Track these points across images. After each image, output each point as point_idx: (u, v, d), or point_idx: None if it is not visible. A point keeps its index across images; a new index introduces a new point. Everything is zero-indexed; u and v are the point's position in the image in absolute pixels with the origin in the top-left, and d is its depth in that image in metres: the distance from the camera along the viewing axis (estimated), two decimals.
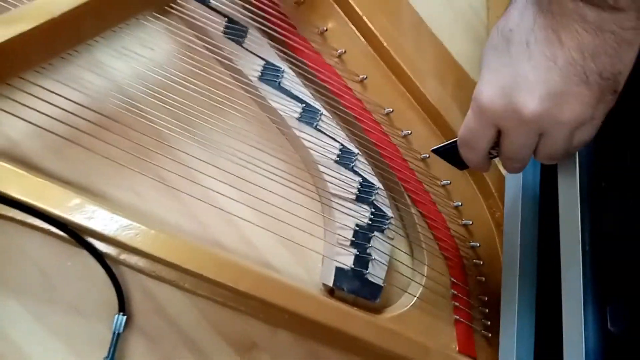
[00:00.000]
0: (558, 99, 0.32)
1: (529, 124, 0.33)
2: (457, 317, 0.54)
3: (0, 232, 0.44)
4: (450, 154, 0.44)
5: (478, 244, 0.56)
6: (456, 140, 0.41)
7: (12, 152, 0.45)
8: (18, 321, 0.45)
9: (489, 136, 0.36)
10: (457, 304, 0.54)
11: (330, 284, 0.50)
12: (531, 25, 0.32)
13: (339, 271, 0.50)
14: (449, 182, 0.56)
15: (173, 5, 0.49)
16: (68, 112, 0.46)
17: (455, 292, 0.54)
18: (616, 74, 0.32)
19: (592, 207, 0.43)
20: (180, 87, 0.49)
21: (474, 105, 0.36)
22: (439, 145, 0.46)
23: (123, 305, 0.46)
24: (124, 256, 0.46)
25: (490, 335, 0.54)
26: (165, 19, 0.49)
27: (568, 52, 0.31)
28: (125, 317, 0.45)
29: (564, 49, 0.31)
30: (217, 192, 0.49)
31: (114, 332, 0.45)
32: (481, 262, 0.55)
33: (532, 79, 0.32)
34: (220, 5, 0.50)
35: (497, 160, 0.58)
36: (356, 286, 0.50)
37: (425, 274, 0.54)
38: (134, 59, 0.49)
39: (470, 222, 0.56)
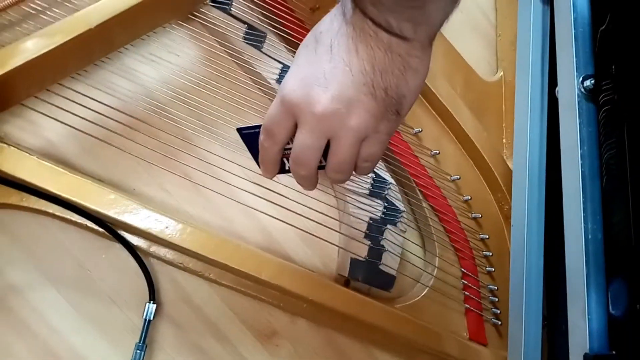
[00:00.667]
0: (347, 103, 0.34)
1: (319, 119, 0.35)
2: (468, 306, 0.56)
3: (41, 227, 0.48)
4: (252, 139, 0.41)
5: (487, 236, 0.58)
6: (257, 128, 0.40)
7: (50, 152, 0.49)
8: (58, 309, 0.48)
9: (287, 127, 0.36)
10: (467, 293, 0.56)
11: (346, 274, 0.53)
12: (336, 31, 0.34)
13: (354, 262, 0.53)
14: (458, 177, 0.58)
15: (196, 13, 0.52)
16: (101, 114, 0.49)
17: (466, 282, 0.57)
18: (400, 96, 0.35)
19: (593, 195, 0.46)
20: (203, 90, 0.52)
21: (278, 94, 0.37)
22: (245, 126, 0.41)
23: (153, 294, 0.49)
24: (154, 248, 0.49)
25: (500, 323, 0.56)
26: (189, 26, 0.53)
27: (361, 63, 0.34)
28: (155, 306, 0.49)
29: (359, 58, 0.34)
30: (239, 188, 0.52)
31: (145, 319, 0.49)
32: (490, 254, 0.58)
33: (329, 78, 0.34)
34: (241, 13, 0.53)
35: (506, 156, 0.61)
36: (370, 276, 0.53)
37: (436, 265, 0.56)
38: (161, 64, 0.52)
39: (480, 215, 0.58)
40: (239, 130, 0.41)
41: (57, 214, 0.47)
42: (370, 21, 0.33)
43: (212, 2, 0.52)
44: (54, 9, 0.49)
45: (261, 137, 0.38)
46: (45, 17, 0.48)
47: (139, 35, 0.50)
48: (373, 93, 0.34)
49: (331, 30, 0.35)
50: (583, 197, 0.46)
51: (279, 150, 0.38)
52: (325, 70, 0.34)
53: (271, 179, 0.42)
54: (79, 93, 0.49)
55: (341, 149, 0.36)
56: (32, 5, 0.48)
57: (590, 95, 0.47)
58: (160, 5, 0.47)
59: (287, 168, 0.39)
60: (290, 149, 0.37)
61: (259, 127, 0.39)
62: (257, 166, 0.40)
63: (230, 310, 0.52)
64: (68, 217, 0.47)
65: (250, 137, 0.40)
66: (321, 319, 0.53)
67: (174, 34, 0.53)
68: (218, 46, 0.53)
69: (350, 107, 0.34)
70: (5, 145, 0.44)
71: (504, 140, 0.62)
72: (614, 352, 0.42)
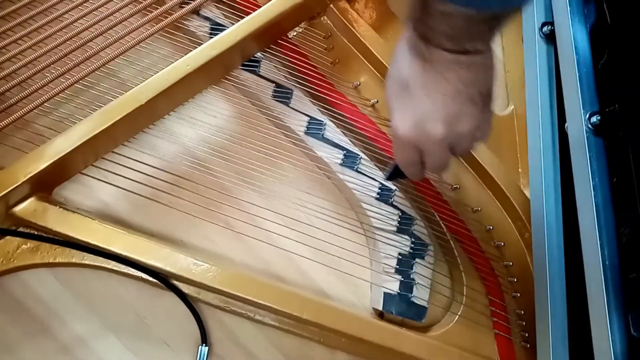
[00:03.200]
0: (456, 118, 0.41)
1: (441, 142, 0.43)
2: (497, 331, 0.59)
3: (101, 282, 0.53)
4: (395, 174, 0.53)
5: (511, 263, 0.62)
6: (395, 165, 0.50)
7: (105, 212, 0.54)
8: (120, 356, 0.52)
9: (416, 156, 0.45)
10: (496, 319, 0.59)
11: (380, 308, 0.56)
12: (421, 72, 0.41)
13: (387, 296, 0.56)
14: (479, 209, 0.62)
15: (228, 77, 0.57)
16: (148, 175, 0.55)
17: (494, 309, 0.60)
18: (489, 89, 0.42)
19: (607, 222, 0.49)
20: (238, 145, 0.57)
21: (394, 139, 0.46)
22: (387, 173, 0.56)
23: (205, 338, 0.53)
24: (203, 294, 0.54)
25: (528, 345, 0.59)
26: (222, 89, 0.58)
27: (454, 85, 0.40)
28: (207, 348, 0.53)
29: (450, 84, 0.40)
30: (276, 233, 0.56)
31: None
32: (515, 279, 0.61)
33: (434, 111, 0.41)
34: (268, 73, 0.58)
35: (523, 185, 0.64)
36: (403, 309, 0.56)
37: (464, 294, 0.59)
38: (199, 125, 0.57)
39: (502, 244, 0.62)
40: (388, 179, 0.57)
41: (114, 268, 0.52)
42: (448, 53, 0.39)
43: (243, 65, 0.57)
44: (102, 84, 0.55)
45: (404, 169, 0.49)
46: (94, 92, 0.54)
47: (181, 103, 0.55)
48: (472, 101, 0.41)
49: (415, 73, 0.41)
50: (598, 226, 0.49)
51: (421, 168, 0.47)
52: (428, 106, 0.41)
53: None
54: (128, 157, 0.54)
55: (462, 148, 0.45)
56: (83, 82, 0.53)
57: (597, 130, 0.51)
58: (201, 76, 0.53)
59: None
60: None
61: (391, 167, 0.53)
62: None
63: (274, 347, 0.56)
64: (125, 270, 0.52)
65: (394, 174, 0.54)
66: (359, 351, 0.56)
67: (209, 97, 0.58)
68: (249, 104, 0.59)
69: (458, 121, 0.41)
70: (69, 211, 0.49)
71: (519, 169, 0.66)
72: None
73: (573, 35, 0.53)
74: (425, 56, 0.40)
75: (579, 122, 0.51)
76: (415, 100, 0.42)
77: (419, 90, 0.41)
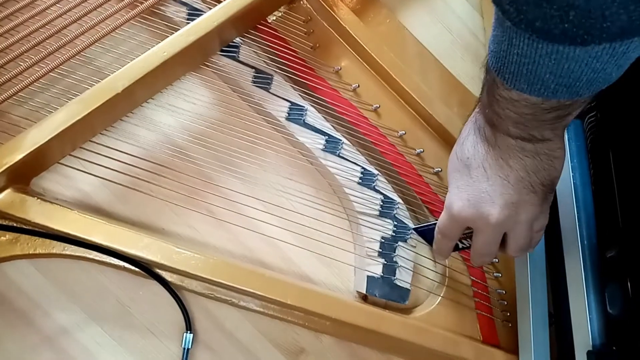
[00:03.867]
0: (514, 206, 0.41)
1: (495, 227, 0.42)
2: (479, 311, 0.60)
3: (83, 272, 0.53)
4: (426, 234, 0.56)
5: None
6: (434, 224, 0.51)
7: (85, 202, 0.54)
8: (104, 345, 0.53)
9: (460, 231, 0.46)
10: (478, 299, 0.60)
11: (364, 291, 0.57)
12: (484, 155, 0.41)
13: (370, 279, 0.57)
14: None
15: (207, 63, 0.57)
16: (127, 164, 0.54)
17: (476, 289, 0.61)
18: (553, 180, 0.41)
19: (586, 202, 0.50)
20: (219, 132, 0.56)
21: (447, 212, 0.46)
22: (420, 226, 0.58)
23: (189, 325, 0.53)
24: (186, 282, 0.54)
25: (510, 324, 0.60)
26: (202, 75, 0.57)
27: (516, 172, 0.40)
28: (192, 335, 0.53)
29: (513, 170, 0.40)
30: (259, 220, 0.56)
31: (184, 349, 0.53)
32: (497, 260, 0.62)
33: (492, 194, 0.41)
34: (248, 59, 0.57)
35: None
36: (387, 291, 0.57)
37: (447, 275, 0.60)
38: (179, 112, 0.57)
39: None
40: (415, 229, 0.58)
41: (96, 258, 0.52)
42: (513, 139, 0.39)
43: (222, 51, 0.57)
44: (78, 72, 0.54)
45: (438, 236, 0.49)
46: (70, 80, 0.53)
47: (159, 90, 0.54)
48: (533, 190, 0.41)
49: (477, 155, 0.42)
50: (576, 206, 0.50)
51: (453, 245, 0.49)
52: (487, 189, 0.41)
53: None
54: (107, 146, 0.54)
55: (518, 238, 0.44)
56: (58, 70, 0.52)
57: None
58: (178, 63, 0.52)
59: (459, 247, 0.51)
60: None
61: (429, 225, 0.55)
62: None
63: (259, 332, 0.56)
64: (107, 260, 0.52)
65: (424, 232, 0.56)
66: (344, 334, 0.57)
67: (188, 84, 0.57)
68: (229, 91, 0.58)
69: (518, 208, 0.41)
70: (47, 202, 0.49)
71: None
72: (614, 348, 0.45)
73: None
74: (490, 141, 0.40)
75: None
76: (474, 181, 0.42)
77: (480, 172, 0.41)
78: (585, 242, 0.49)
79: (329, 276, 0.59)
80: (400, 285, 0.57)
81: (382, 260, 0.57)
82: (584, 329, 0.47)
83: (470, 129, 0.43)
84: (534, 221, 0.43)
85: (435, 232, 0.50)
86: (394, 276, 0.57)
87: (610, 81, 0.33)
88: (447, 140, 0.63)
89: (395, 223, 0.59)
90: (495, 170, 0.41)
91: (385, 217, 0.59)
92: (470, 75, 0.69)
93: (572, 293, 0.49)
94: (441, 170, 0.62)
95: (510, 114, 0.37)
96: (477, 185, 0.42)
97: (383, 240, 0.58)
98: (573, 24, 0.28)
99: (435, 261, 0.61)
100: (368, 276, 0.57)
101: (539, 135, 0.38)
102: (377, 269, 0.57)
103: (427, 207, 0.62)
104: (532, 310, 0.54)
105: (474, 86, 0.68)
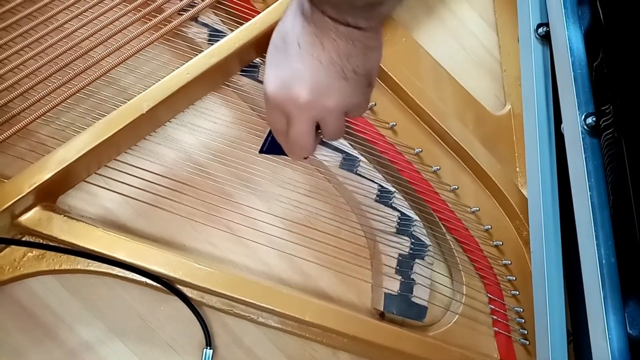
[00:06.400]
0: (324, 90, 0.39)
1: (304, 111, 0.40)
2: (497, 329, 0.60)
3: (106, 287, 0.54)
4: (273, 146, 0.48)
5: (510, 262, 0.62)
6: (270, 131, 0.47)
7: (109, 218, 0.55)
8: (124, 359, 0.53)
9: (283, 122, 0.42)
10: (495, 317, 0.60)
11: (381, 308, 0.57)
12: (300, 30, 0.39)
13: (388, 297, 0.57)
14: (478, 209, 0.63)
15: (228, 82, 0.58)
16: (150, 182, 0.55)
17: (493, 307, 0.61)
18: (367, 71, 0.40)
19: (604, 221, 0.50)
20: (238, 150, 0.58)
21: (265, 98, 0.42)
22: (261, 146, 0.49)
23: (209, 340, 0.54)
24: (206, 298, 0.54)
25: (528, 343, 0.60)
26: (222, 95, 0.59)
27: (328, 54, 0.38)
28: (212, 351, 0.54)
29: (325, 51, 0.38)
30: (277, 237, 0.57)
31: None
32: (514, 278, 0.62)
33: (304, 74, 0.39)
34: None
35: (520, 184, 0.65)
36: (404, 309, 0.57)
37: (464, 293, 0.60)
38: (199, 131, 0.58)
39: (501, 243, 0.62)
40: (261, 151, 0.49)
41: (119, 274, 0.53)
42: (329, 19, 0.37)
43: (242, 71, 0.58)
44: (103, 92, 0.55)
45: (275, 137, 0.45)
46: (95, 100, 0.55)
47: (182, 110, 0.56)
48: (344, 76, 0.39)
49: (294, 29, 0.40)
50: (594, 225, 0.50)
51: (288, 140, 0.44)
52: (299, 67, 0.39)
53: (305, 159, 0.49)
54: (130, 165, 0.55)
55: (330, 126, 0.42)
56: (83, 90, 0.54)
57: (592, 131, 0.51)
58: (201, 84, 0.53)
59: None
60: None
61: (269, 134, 0.47)
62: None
63: (278, 349, 0.57)
64: (129, 276, 0.53)
65: (271, 147, 0.48)
66: (361, 351, 0.57)
67: (209, 103, 0.59)
68: (249, 109, 0.59)
69: (327, 93, 0.39)
70: (73, 220, 0.50)
71: (517, 169, 0.66)
72: None
73: (568, 37, 0.54)
74: (307, 16, 0.39)
75: (575, 123, 0.52)
76: (288, 59, 0.40)
77: (294, 48, 0.39)
78: (604, 261, 0.49)
79: (346, 293, 0.60)
80: (418, 302, 0.58)
81: (399, 278, 0.58)
82: (604, 350, 0.47)
83: (291, 5, 0.41)
84: (348, 112, 0.42)
85: (272, 133, 0.47)
86: (411, 293, 0.58)
87: None
88: (464, 158, 0.64)
89: (412, 240, 0.59)
90: (309, 48, 0.39)
91: (402, 235, 0.59)
92: (486, 92, 0.69)
93: (590, 313, 0.49)
94: (457, 188, 0.63)
95: None
96: (290, 64, 0.40)
97: (400, 258, 0.59)
98: None
99: (450, 278, 0.61)
100: (385, 293, 0.57)
101: (352, 23, 0.37)
102: (394, 286, 0.58)
103: (444, 225, 0.62)
104: (550, 329, 0.54)
105: (489, 103, 0.68)
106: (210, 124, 0.58)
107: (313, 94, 0.39)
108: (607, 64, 0.51)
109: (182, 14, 0.57)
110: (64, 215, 0.50)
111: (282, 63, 0.40)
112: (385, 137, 0.62)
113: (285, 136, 0.43)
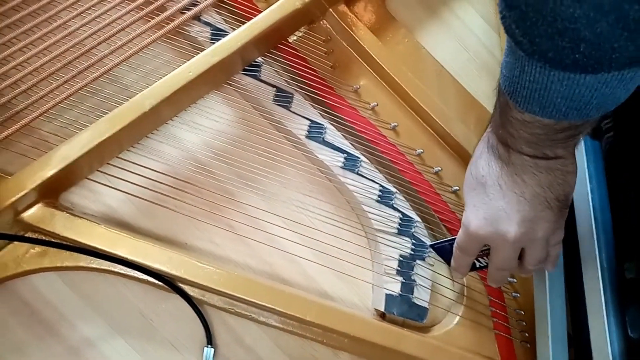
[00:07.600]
0: (531, 223, 0.42)
1: (513, 244, 0.43)
2: (498, 331, 0.60)
3: (107, 285, 0.54)
4: (444, 252, 0.54)
5: None
6: (451, 241, 0.52)
7: (111, 216, 0.55)
8: (125, 356, 0.53)
9: (479, 248, 0.47)
10: (496, 319, 0.60)
11: (382, 309, 0.57)
12: (499, 172, 0.42)
13: (389, 297, 0.57)
14: None
15: (230, 81, 0.58)
16: (152, 180, 0.55)
17: (494, 309, 0.60)
18: (567, 194, 0.42)
19: (605, 224, 0.50)
20: (240, 149, 0.58)
21: (464, 230, 0.46)
22: (438, 242, 0.55)
23: (210, 339, 0.54)
24: (208, 296, 0.55)
25: (528, 345, 0.60)
26: (224, 93, 0.59)
27: (532, 188, 0.41)
28: (213, 349, 0.54)
29: (528, 186, 0.41)
30: (279, 236, 0.57)
31: None
32: (514, 280, 0.62)
33: (509, 212, 0.42)
34: (269, 78, 0.59)
35: None
36: (405, 309, 0.57)
37: (465, 294, 0.60)
38: (201, 130, 0.58)
39: None
40: (432, 246, 0.56)
41: (121, 272, 0.53)
42: (527, 157, 0.40)
43: (244, 70, 0.58)
44: (106, 89, 0.55)
45: (456, 253, 0.50)
46: (98, 98, 0.55)
47: (184, 108, 0.56)
48: (549, 206, 0.41)
49: (493, 172, 0.42)
50: (595, 227, 0.50)
51: (471, 262, 0.50)
52: (503, 206, 0.42)
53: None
54: (133, 162, 0.55)
55: (535, 253, 0.44)
56: (86, 88, 0.54)
57: (593, 134, 0.51)
58: (203, 82, 0.54)
59: (477, 266, 0.52)
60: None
61: (446, 242, 0.53)
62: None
63: (279, 348, 0.57)
64: (131, 274, 0.53)
65: (441, 249, 0.55)
66: (362, 352, 0.57)
67: (211, 102, 0.59)
68: (251, 109, 0.59)
69: (534, 225, 0.42)
70: (75, 217, 0.50)
71: None
72: None
73: None
74: (504, 159, 0.41)
75: None
76: (490, 199, 0.42)
77: (495, 189, 0.42)
78: (605, 264, 0.49)
79: (347, 293, 0.60)
80: (419, 303, 0.58)
81: (400, 278, 0.58)
82: (604, 352, 0.47)
83: (483, 148, 0.44)
84: (550, 236, 0.44)
85: (453, 249, 0.50)
86: (412, 294, 0.58)
87: (619, 102, 0.35)
88: (465, 159, 0.64)
89: (414, 241, 0.59)
90: (510, 187, 0.41)
91: (404, 235, 0.59)
92: (487, 94, 0.69)
93: (591, 315, 0.49)
94: (459, 189, 0.63)
95: (523, 134, 0.38)
96: (493, 203, 0.42)
97: (401, 258, 0.59)
98: (584, 55, 0.30)
99: (453, 280, 0.61)
100: (387, 294, 0.57)
101: (551, 154, 0.39)
102: (395, 287, 0.58)
103: (445, 226, 0.62)
104: (551, 332, 0.54)
105: (491, 104, 0.67)
106: (212, 123, 0.58)
107: (520, 229, 0.42)
108: None
109: (185, 13, 0.57)
110: (67, 212, 0.50)
111: (483, 203, 0.43)
112: (387, 138, 0.62)
113: (470, 260, 0.49)
